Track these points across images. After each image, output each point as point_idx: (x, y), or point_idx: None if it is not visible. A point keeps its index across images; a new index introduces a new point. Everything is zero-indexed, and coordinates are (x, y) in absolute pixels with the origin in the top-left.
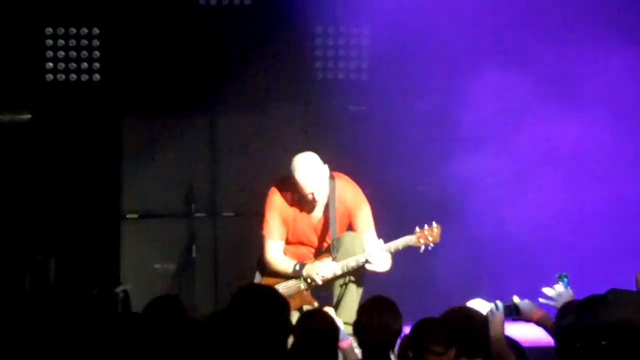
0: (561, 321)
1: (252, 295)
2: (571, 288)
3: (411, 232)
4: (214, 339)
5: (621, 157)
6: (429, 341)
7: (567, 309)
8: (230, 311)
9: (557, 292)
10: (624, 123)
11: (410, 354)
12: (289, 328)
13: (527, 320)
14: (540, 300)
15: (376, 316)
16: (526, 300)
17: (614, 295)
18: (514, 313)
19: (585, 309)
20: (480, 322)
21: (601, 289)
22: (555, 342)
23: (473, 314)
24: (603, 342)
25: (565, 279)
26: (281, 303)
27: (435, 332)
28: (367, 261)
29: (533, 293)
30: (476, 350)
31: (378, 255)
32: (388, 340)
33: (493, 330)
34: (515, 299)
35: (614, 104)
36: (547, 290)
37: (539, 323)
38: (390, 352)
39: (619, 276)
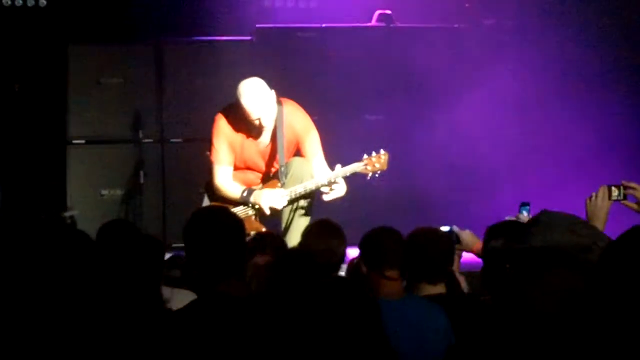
0: (491, 243)
1: (209, 215)
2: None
3: (359, 159)
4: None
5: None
6: (385, 266)
7: (497, 230)
8: (188, 232)
9: (520, 220)
10: None
11: (364, 269)
12: (245, 248)
13: (467, 249)
14: None
15: (322, 239)
16: (467, 230)
17: (546, 217)
18: (454, 241)
19: (516, 231)
20: (445, 245)
21: None
22: (483, 263)
23: (438, 236)
24: (533, 264)
25: (527, 207)
26: (237, 223)
27: (391, 255)
28: (316, 189)
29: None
30: (439, 276)
31: (333, 184)
32: (332, 263)
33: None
34: (455, 228)
35: None
36: (510, 219)
37: (478, 254)
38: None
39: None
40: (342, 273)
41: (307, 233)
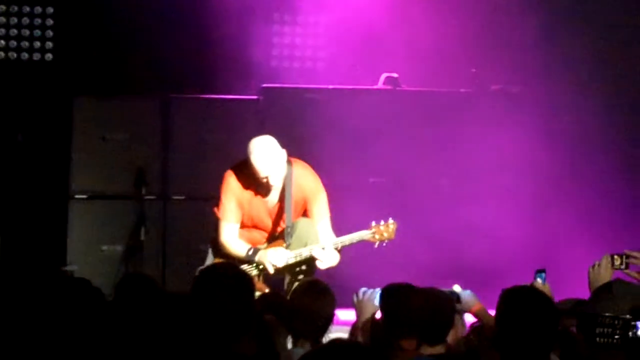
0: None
1: (218, 272)
2: (548, 283)
3: (367, 226)
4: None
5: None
6: (400, 337)
7: (512, 295)
8: (197, 291)
9: (535, 286)
10: None
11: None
12: (254, 305)
13: (466, 310)
14: None
15: (307, 299)
16: (468, 291)
17: (620, 287)
18: (454, 301)
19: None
20: (444, 307)
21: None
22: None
23: (436, 298)
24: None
25: (543, 274)
26: (247, 279)
27: (406, 326)
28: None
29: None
30: (438, 337)
31: (326, 254)
32: (317, 325)
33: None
34: (456, 288)
35: None
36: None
37: (477, 315)
38: (321, 339)
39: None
40: (332, 335)
41: (292, 292)
